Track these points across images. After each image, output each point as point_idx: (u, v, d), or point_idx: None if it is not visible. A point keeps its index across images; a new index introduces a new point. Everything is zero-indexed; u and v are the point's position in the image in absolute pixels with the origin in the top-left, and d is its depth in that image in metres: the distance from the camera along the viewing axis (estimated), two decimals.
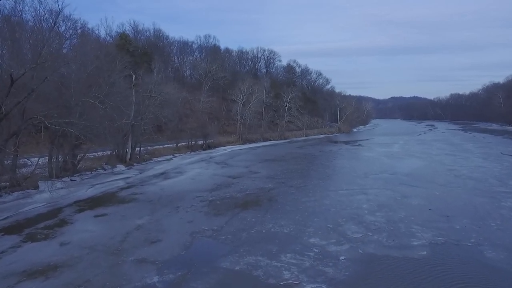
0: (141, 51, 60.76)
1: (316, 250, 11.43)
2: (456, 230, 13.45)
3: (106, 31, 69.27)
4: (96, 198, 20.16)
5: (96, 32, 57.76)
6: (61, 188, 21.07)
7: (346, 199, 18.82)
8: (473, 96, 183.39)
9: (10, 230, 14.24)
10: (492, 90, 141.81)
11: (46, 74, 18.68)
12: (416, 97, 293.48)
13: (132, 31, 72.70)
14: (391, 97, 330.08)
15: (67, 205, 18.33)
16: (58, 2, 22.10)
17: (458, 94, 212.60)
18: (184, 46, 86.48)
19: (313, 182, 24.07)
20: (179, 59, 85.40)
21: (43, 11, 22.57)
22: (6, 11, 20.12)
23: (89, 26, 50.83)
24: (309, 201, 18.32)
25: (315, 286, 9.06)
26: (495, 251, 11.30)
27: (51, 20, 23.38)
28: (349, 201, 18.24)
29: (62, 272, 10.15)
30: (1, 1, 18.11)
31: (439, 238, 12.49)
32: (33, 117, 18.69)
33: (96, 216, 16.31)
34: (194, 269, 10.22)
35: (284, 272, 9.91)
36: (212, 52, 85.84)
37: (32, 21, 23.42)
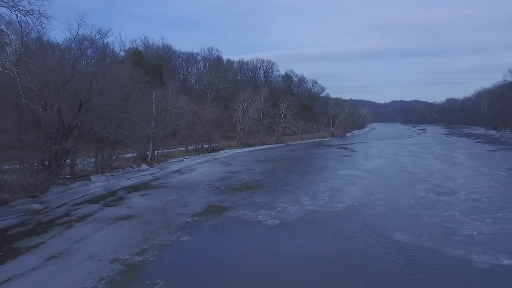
0: (153, 64, 69.41)
1: (279, 209, 19.68)
2: (370, 200, 21.66)
3: (120, 47, 78.01)
4: (135, 185, 28.41)
5: (111, 47, 66.36)
6: (107, 180, 29.54)
7: (312, 185, 27.06)
8: (466, 100, 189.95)
9: (90, 202, 22.48)
10: (481, 95, 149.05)
11: (103, 99, 27.01)
12: (417, 100, 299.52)
13: (143, 46, 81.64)
14: (392, 101, 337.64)
15: (117, 189, 26.57)
16: (103, 40, 30.63)
17: (453, 98, 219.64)
18: (189, 58, 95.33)
19: (293, 176, 32.27)
20: (185, 69, 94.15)
21: (93, 50, 30.91)
22: (74, 56, 28.42)
23: (104, 42, 59.32)
24: (285, 186, 26.56)
25: (274, 221, 17.32)
26: (382, 209, 19.51)
27: (97, 56, 32.07)
28: (313, 186, 26.45)
29: (137, 218, 18.40)
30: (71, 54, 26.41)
31: (355, 203, 20.74)
32: (95, 128, 27.01)
33: (141, 195, 24.56)
34: (210, 216, 18.52)
35: (259, 217, 18.16)
36: (215, 63, 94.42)
37: (89, 56, 31.89)
